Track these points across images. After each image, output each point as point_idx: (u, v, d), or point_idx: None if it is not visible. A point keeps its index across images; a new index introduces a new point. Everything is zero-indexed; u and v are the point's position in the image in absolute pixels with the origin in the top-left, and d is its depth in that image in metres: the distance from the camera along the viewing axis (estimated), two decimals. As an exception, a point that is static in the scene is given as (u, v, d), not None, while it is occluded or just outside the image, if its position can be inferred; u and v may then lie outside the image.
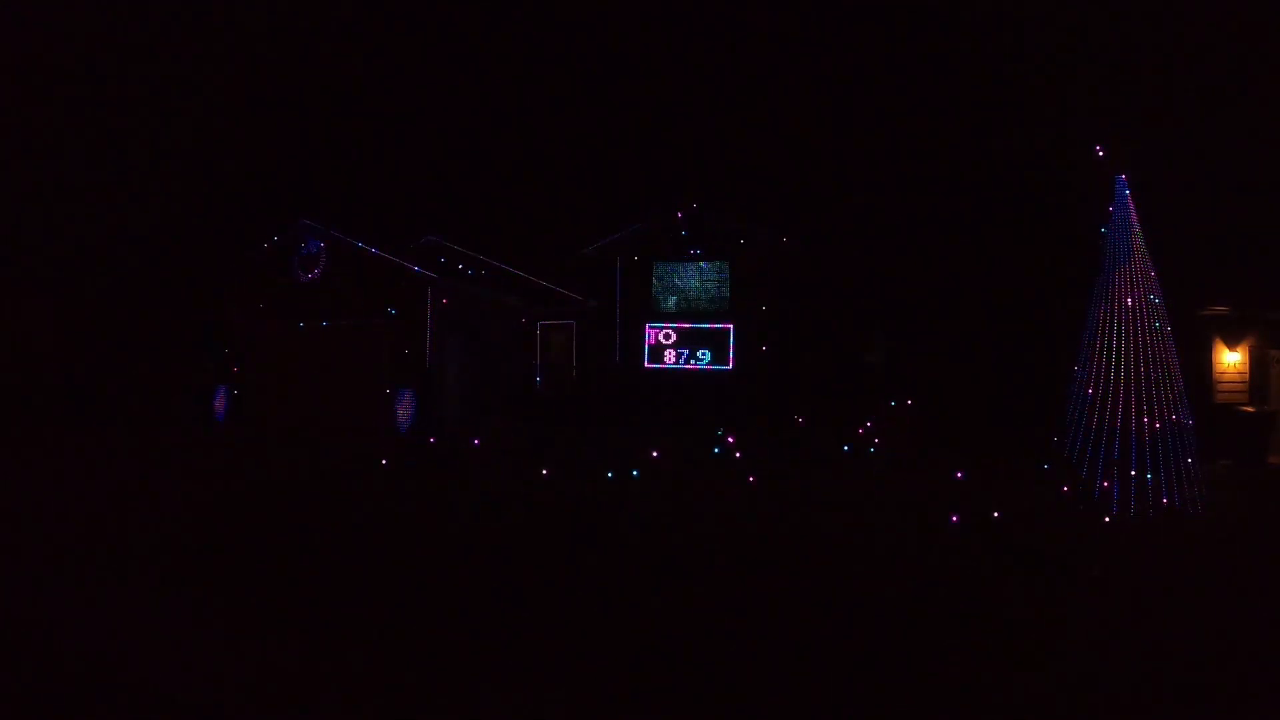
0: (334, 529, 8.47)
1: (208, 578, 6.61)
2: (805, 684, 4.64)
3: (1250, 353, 14.33)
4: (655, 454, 9.54)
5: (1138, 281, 9.79)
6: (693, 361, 21.58)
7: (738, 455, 10.75)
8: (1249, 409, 13.36)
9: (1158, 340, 9.67)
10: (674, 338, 21.77)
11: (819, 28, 37.29)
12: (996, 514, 8.33)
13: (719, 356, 21.47)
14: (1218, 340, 14.32)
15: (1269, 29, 20.38)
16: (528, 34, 41.34)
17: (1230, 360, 14.29)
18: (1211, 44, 22.44)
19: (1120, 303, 9.76)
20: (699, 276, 21.93)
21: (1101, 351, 9.81)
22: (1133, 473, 9.23)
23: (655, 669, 4.83)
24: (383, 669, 4.80)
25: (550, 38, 40.10)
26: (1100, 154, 10.03)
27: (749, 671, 4.81)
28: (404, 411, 17.83)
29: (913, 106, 31.41)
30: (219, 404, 20.17)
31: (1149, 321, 9.67)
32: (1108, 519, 8.45)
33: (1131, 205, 10.01)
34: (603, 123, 36.42)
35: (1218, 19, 22.17)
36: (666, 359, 21.70)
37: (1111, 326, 9.77)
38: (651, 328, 21.90)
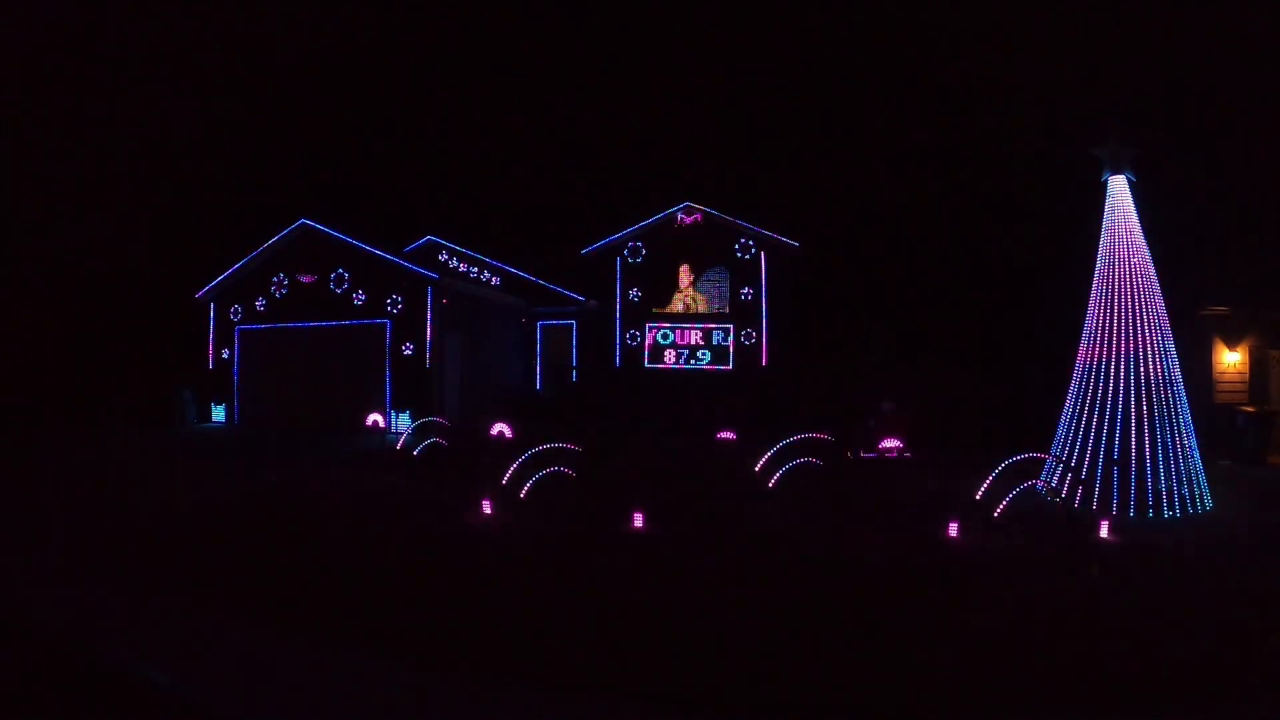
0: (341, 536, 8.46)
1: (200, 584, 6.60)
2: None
3: (1250, 353, 14.33)
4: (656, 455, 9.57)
5: (1137, 282, 9.79)
6: (693, 362, 21.59)
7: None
8: (1249, 409, 13.35)
9: (1157, 339, 9.67)
10: (674, 338, 21.78)
11: (819, 31, 37.29)
12: (995, 514, 8.33)
13: (719, 357, 21.48)
14: (1218, 340, 14.32)
15: (1269, 29, 20.37)
16: (529, 34, 41.36)
17: (1230, 360, 14.29)
18: (1212, 44, 22.44)
19: (1119, 302, 9.76)
20: (699, 277, 21.94)
21: (1100, 350, 9.81)
22: (1132, 472, 9.22)
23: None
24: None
25: (552, 37, 40.09)
26: (1099, 154, 10.02)
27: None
28: (404, 412, 17.83)
29: (913, 108, 31.42)
30: (218, 405, 20.19)
31: (1148, 321, 9.68)
32: (1107, 519, 8.44)
33: (1132, 205, 10.01)
34: (604, 123, 36.40)
35: (1218, 18, 22.17)
36: (666, 359, 21.71)
37: (1111, 326, 9.78)
38: (652, 328, 21.91)
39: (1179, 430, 9.53)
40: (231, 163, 30.82)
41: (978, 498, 8.41)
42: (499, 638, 5.31)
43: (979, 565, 7.18)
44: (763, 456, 10.93)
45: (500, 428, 13.81)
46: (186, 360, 20.86)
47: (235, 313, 20.12)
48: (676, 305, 21.98)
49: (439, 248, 24.26)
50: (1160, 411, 9.47)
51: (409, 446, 12.45)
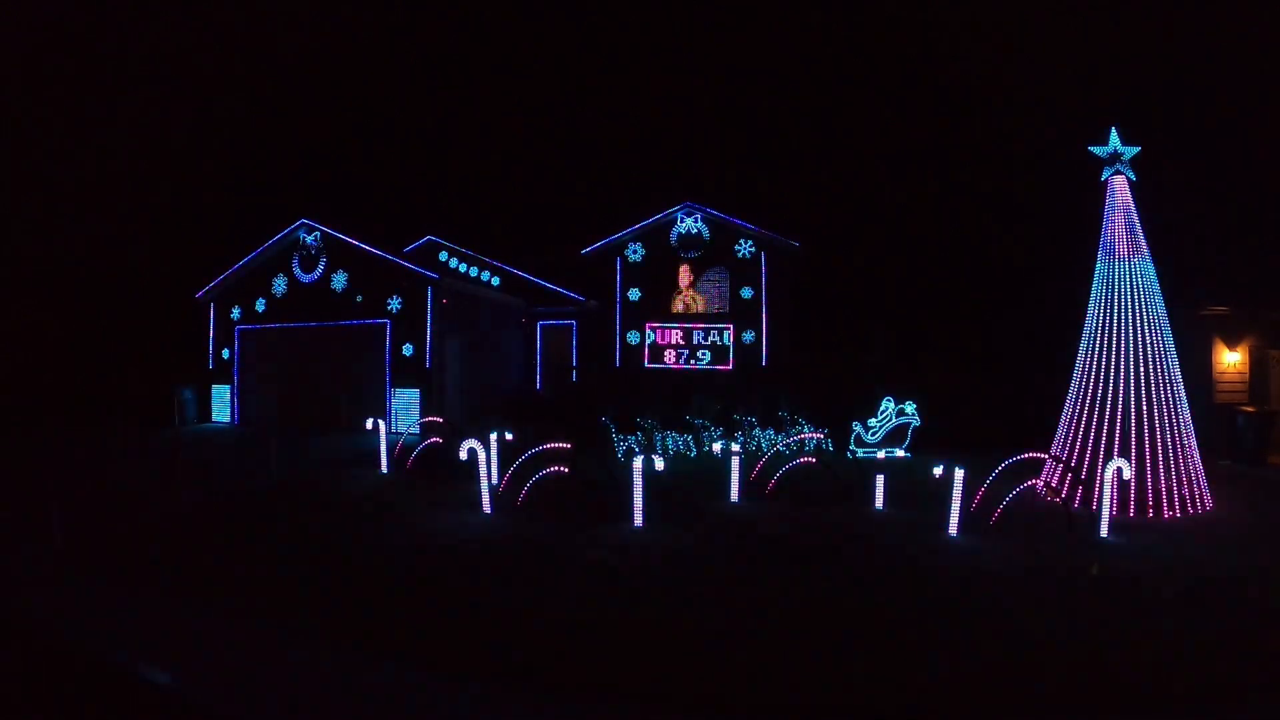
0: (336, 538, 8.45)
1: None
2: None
3: (1250, 353, 14.32)
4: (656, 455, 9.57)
5: (1137, 282, 9.80)
6: (693, 362, 21.58)
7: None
8: (1249, 409, 13.34)
9: (1157, 339, 9.68)
10: (674, 338, 21.77)
11: (819, 31, 37.28)
12: (996, 514, 8.33)
13: (719, 357, 21.47)
14: (1218, 340, 14.31)
15: (1269, 29, 20.37)
16: (529, 34, 41.35)
17: (1230, 360, 14.28)
18: (1212, 44, 22.43)
19: (1119, 302, 9.76)
20: (699, 277, 21.93)
21: (1100, 350, 9.81)
22: (1132, 472, 9.22)
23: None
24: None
25: (552, 38, 40.08)
26: (1097, 152, 10.02)
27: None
28: (404, 412, 17.83)
29: (913, 108, 31.43)
30: (218, 405, 20.19)
31: (1148, 321, 9.68)
32: (1107, 518, 8.44)
33: (1133, 205, 10.01)
34: (604, 123, 36.40)
35: (1219, 18, 22.17)
36: (667, 359, 21.70)
37: (1111, 326, 9.78)
38: (651, 328, 21.90)
39: (1179, 430, 9.53)
40: (231, 163, 30.83)
41: (978, 498, 8.41)
42: (498, 637, 5.31)
43: (979, 565, 7.18)
44: (763, 456, 10.93)
45: (500, 427, 13.82)
46: (186, 360, 20.86)
47: (235, 313, 20.11)
48: (676, 305, 21.97)
49: (439, 248, 24.25)
50: (1160, 411, 9.47)
51: (409, 446, 12.45)
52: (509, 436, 12.19)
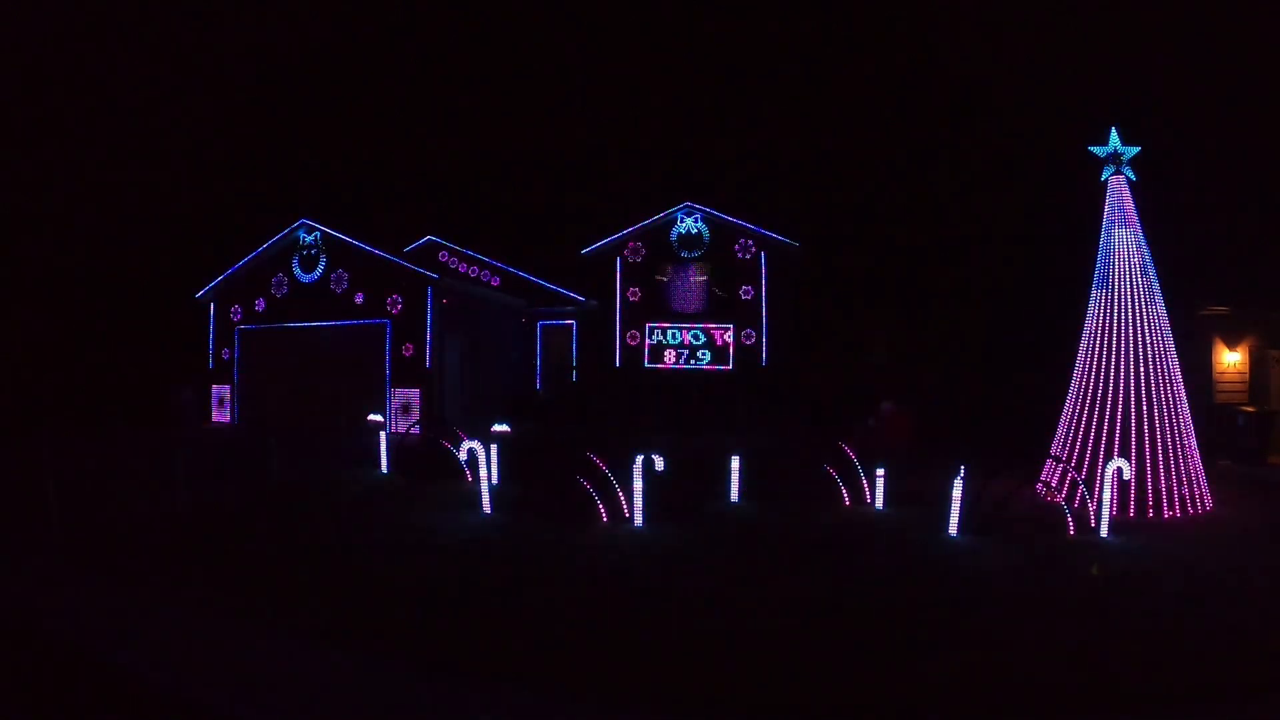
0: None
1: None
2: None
3: (1250, 353, 14.32)
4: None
5: (1137, 282, 9.79)
6: (693, 361, 21.58)
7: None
8: (1249, 409, 13.34)
9: (1157, 339, 9.67)
10: (674, 338, 21.77)
11: (819, 31, 37.30)
12: (996, 514, 8.32)
13: (719, 356, 21.47)
14: (1218, 340, 14.31)
15: (1270, 29, 20.37)
16: (530, 34, 41.36)
17: (1230, 360, 14.28)
18: (1212, 44, 22.43)
19: (1119, 302, 9.76)
20: (699, 277, 21.93)
21: (1100, 350, 9.80)
22: (1132, 472, 9.22)
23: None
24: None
25: (552, 38, 40.10)
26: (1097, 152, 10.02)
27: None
28: (404, 412, 17.83)
29: (913, 108, 31.43)
30: (218, 405, 20.19)
31: (1148, 321, 9.68)
32: (1107, 518, 8.44)
33: (1132, 205, 10.01)
34: (604, 123, 36.40)
35: (1219, 18, 22.17)
36: (666, 359, 21.70)
37: (1111, 326, 9.77)
38: (652, 328, 21.90)
39: (1179, 430, 9.53)
40: (232, 163, 30.83)
41: (978, 498, 8.40)
42: (498, 637, 5.31)
43: (979, 565, 7.17)
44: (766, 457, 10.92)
45: (500, 427, 13.82)
46: (186, 360, 20.85)
47: (235, 313, 20.11)
48: (676, 305, 21.97)
49: (439, 248, 24.26)
50: (1160, 411, 9.46)
51: (408, 446, 12.45)
52: (509, 436, 12.18)
